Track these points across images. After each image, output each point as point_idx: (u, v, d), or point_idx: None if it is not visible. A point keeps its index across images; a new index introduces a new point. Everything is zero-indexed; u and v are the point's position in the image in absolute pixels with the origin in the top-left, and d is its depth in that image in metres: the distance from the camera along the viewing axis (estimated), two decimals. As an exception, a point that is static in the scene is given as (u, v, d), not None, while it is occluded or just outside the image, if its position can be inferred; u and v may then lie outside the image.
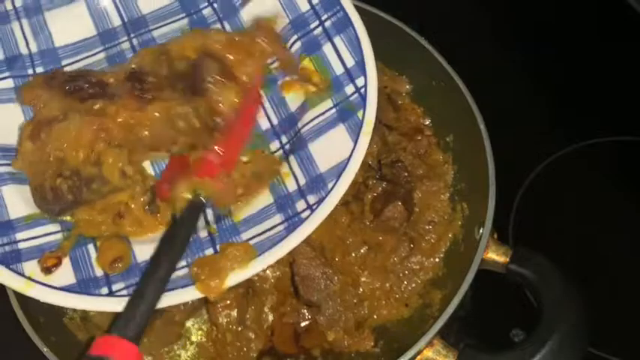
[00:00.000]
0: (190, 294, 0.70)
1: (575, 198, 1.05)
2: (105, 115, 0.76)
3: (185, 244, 0.72)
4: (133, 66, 0.82)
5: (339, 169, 0.75)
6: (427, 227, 0.91)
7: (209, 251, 0.74)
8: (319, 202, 0.74)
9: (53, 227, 0.76)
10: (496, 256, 0.82)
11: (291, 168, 0.79)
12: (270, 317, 0.90)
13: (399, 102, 0.99)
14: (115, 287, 0.72)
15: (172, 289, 0.70)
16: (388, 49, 0.97)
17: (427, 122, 0.99)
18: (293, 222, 0.73)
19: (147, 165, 0.82)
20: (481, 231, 0.83)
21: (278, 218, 0.75)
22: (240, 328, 0.87)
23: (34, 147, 0.75)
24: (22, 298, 0.81)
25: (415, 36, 0.96)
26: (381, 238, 0.89)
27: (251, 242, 0.73)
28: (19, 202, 0.76)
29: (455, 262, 0.88)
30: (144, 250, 0.75)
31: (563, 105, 1.14)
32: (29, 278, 0.71)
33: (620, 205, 1.05)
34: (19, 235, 0.74)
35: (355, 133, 0.76)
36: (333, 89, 0.81)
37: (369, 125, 0.77)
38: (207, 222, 0.77)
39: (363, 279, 0.88)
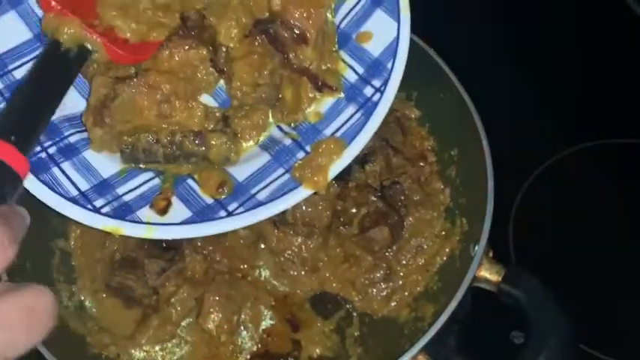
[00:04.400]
0: (301, 193, 0.73)
1: (574, 201, 1.06)
2: (149, 71, 0.77)
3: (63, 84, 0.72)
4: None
5: (391, 49, 0.77)
6: (409, 255, 0.92)
7: (300, 154, 0.76)
8: (385, 82, 0.76)
9: (147, 175, 0.78)
10: (489, 274, 0.82)
11: (345, 61, 0.80)
12: (269, 320, 0.91)
13: (407, 126, 1.01)
14: (230, 208, 0.74)
15: (283, 194, 0.73)
16: None
17: (431, 142, 1.00)
18: (367, 107, 0.76)
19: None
20: (476, 248, 0.82)
21: (352, 109, 0.77)
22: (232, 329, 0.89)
23: (104, 131, 0.77)
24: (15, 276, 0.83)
25: (425, 47, 0.96)
26: (358, 253, 0.91)
27: (336, 135, 0.76)
28: (105, 161, 0.77)
29: (450, 277, 0.88)
30: (240, 171, 0.77)
31: (562, 107, 1.14)
32: (148, 223, 0.73)
33: (619, 207, 1.06)
34: (120, 190, 0.76)
35: (395, 12, 0.78)
36: None
37: (404, 1, 0.78)
38: (284, 132, 0.79)
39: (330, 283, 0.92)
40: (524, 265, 0.89)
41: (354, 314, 0.91)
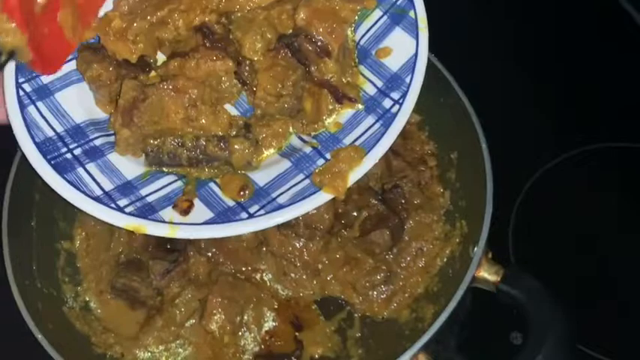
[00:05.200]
0: (321, 197, 0.75)
1: (573, 204, 1.06)
2: (177, 76, 0.79)
3: None
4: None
5: (409, 65, 0.81)
6: (409, 258, 0.93)
7: (320, 161, 0.78)
8: (403, 95, 0.79)
9: (170, 178, 0.80)
10: (488, 275, 0.83)
11: (364, 75, 0.83)
12: (271, 322, 0.92)
13: (408, 130, 1.02)
14: (251, 210, 0.76)
15: (303, 198, 0.75)
16: None
17: (431, 146, 1.01)
18: (386, 118, 0.79)
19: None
20: (475, 250, 0.83)
21: (371, 119, 0.80)
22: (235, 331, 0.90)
23: (131, 132, 0.79)
24: (23, 286, 0.84)
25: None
26: (359, 255, 0.92)
27: (356, 144, 0.78)
28: (128, 164, 0.80)
29: (450, 279, 0.89)
30: (261, 176, 0.79)
31: (561, 111, 1.15)
32: (171, 222, 0.75)
33: (618, 210, 1.06)
34: (143, 191, 0.78)
35: (413, 30, 0.82)
36: (378, 1, 0.84)
37: (423, 21, 0.82)
38: (304, 141, 0.81)
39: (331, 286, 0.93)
40: (523, 266, 0.90)
41: (356, 315, 0.92)
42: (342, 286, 0.92)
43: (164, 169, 0.80)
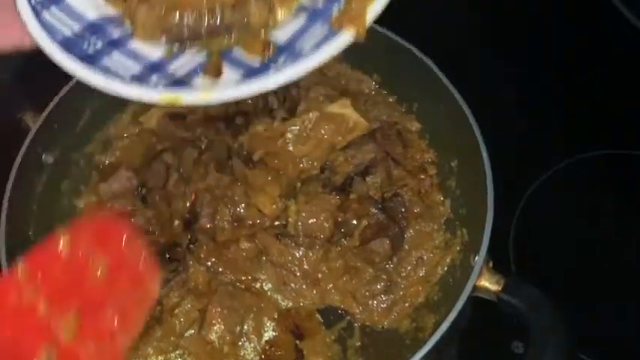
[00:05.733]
0: (343, 39, 0.74)
1: (573, 211, 1.06)
2: None
3: None
4: None
5: None
6: (410, 267, 0.93)
7: (335, 8, 0.77)
8: None
9: (192, 53, 0.80)
10: (489, 284, 0.83)
11: None
12: (271, 332, 0.92)
13: (408, 139, 1.03)
14: (279, 62, 0.76)
15: (327, 43, 0.74)
16: (395, 71, 1.02)
17: (431, 154, 1.01)
18: None
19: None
20: (476, 258, 0.83)
21: None
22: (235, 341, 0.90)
23: (148, 8, 0.80)
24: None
25: (424, 58, 0.98)
26: (359, 265, 0.92)
27: None
28: (150, 49, 0.81)
29: (450, 288, 0.89)
30: (280, 34, 0.79)
31: (561, 119, 1.15)
32: (204, 89, 0.76)
33: (619, 218, 1.06)
34: (172, 67, 0.79)
35: None
36: None
37: None
38: None
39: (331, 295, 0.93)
40: (524, 275, 0.90)
41: (356, 325, 0.92)
42: (342, 295, 0.92)
43: (184, 46, 0.81)
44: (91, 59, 0.78)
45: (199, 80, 0.78)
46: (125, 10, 0.82)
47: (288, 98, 1.02)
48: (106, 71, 0.77)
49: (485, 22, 1.23)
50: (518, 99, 1.16)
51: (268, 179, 0.97)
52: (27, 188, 0.94)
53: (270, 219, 0.96)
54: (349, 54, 1.06)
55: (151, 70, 0.79)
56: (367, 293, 0.91)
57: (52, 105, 0.97)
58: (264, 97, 1.03)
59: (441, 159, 1.00)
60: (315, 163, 0.99)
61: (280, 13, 0.81)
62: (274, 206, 0.96)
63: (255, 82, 0.75)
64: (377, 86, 1.07)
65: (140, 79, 0.77)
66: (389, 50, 1.00)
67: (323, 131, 0.97)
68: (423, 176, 0.98)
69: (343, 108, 0.98)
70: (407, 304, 0.91)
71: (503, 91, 1.15)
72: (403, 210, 0.94)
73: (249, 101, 1.05)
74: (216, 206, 0.95)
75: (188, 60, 0.80)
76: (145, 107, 1.07)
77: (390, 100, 1.06)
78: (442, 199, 0.97)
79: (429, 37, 1.03)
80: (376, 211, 0.93)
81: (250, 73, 0.77)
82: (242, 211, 0.96)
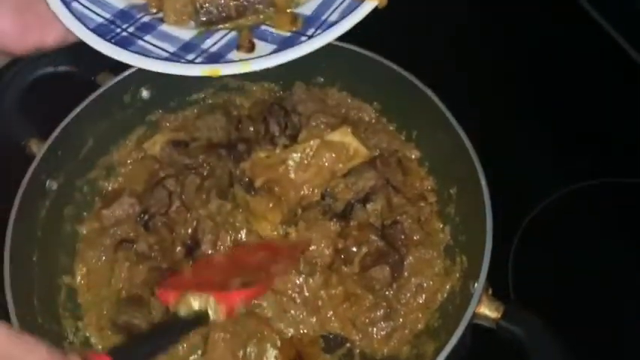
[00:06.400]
0: (367, 6, 0.77)
1: (573, 239, 1.06)
2: None
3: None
4: None
5: None
6: (409, 294, 0.93)
7: None
8: None
9: (223, 32, 0.84)
10: (488, 311, 0.82)
11: None
12: (273, 358, 0.92)
13: (408, 167, 1.03)
14: (309, 32, 0.79)
15: (352, 12, 0.78)
16: (395, 100, 1.04)
17: (431, 182, 1.02)
18: None
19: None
20: (476, 285, 0.83)
21: None
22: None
23: None
24: (24, 321, 0.84)
25: (423, 87, 0.99)
26: (359, 292, 0.92)
27: None
28: (181, 30, 0.84)
29: (450, 315, 0.89)
30: (306, 9, 0.82)
31: (560, 147, 1.15)
32: (241, 60, 0.79)
33: (618, 246, 1.06)
34: (204, 46, 0.82)
35: None
36: None
37: None
38: None
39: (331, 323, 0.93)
40: (523, 303, 0.90)
41: (356, 351, 0.92)
42: (342, 322, 0.92)
43: (214, 26, 0.84)
44: (126, 42, 0.81)
45: (234, 54, 0.81)
46: (150, 2, 0.85)
47: (290, 126, 1.04)
48: (143, 52, 0.80)
49: (485, 53, 1.24)
50: (517, 127, 1.16)
51: (269, 206, 0.97)
52: (31, 213, 0.95)
53: (271, 245, 0.96)
54: (349, 83, 1.08)
55: (186, 49, 0.82)
56: (367, 320, 0.91)
57: (56, 132, 0.98)
58: (265, 124, 1.04)
59: (441, 186, 1.00)
60: (316, 190, 0.99)
61: None
62: (275, 232, 0.96)
63: (290, 51, 0.78)
64: (377, 114, 1.08)
65: (178, 56, 0.80)
66: (389, 79, 1.02)
67: (324, 159, 0.99)
68: (422, 204, 0.99)
69: (344, 136, 1.00)
70: (407, 331, 0.91)
71: (501, 119, 1.15)
72: (403, 237, 0.95)
73: (251, 128, 1.06)
74: (217, 232, 0.95)
75: (220, 37, 0.83)
76: (149, 134, 1.08)
77: (390, 128, 1.07)
78: (442, 226, 0.98)
79: (428, 66, 1.04)
80: (376, 238, 0.94)
81: (283, 44, 0.80)
82: (243, 237, 0.96)
